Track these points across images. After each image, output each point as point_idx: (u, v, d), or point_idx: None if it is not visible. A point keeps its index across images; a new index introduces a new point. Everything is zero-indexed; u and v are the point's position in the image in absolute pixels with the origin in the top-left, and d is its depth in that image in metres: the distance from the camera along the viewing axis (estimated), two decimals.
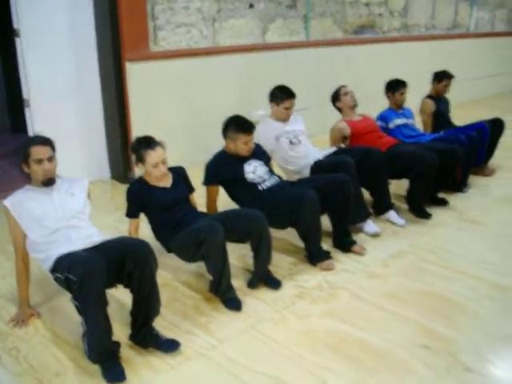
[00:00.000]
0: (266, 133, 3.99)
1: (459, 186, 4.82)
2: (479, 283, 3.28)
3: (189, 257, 3.15)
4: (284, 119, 4.07)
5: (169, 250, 3.23)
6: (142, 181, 3.24)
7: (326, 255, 3.52)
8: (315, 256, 3.50)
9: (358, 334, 2.77)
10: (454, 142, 4.57)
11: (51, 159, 2.75)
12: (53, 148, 2.78)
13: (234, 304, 3.03)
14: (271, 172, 3.69)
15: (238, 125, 3.50)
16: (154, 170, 3.13)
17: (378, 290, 3.21)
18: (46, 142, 2.76)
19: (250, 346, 2.69)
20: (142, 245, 2.63)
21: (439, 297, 3.13)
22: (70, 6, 4.72)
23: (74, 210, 2.83)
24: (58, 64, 4.77)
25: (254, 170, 3.56)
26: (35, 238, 2.76)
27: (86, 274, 2.37)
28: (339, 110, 4.54)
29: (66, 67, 4.83)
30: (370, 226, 3.95)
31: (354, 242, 3.71)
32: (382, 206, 4.17)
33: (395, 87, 4.82)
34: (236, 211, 3.31)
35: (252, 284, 3.24)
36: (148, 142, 3.14)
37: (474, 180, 5.05)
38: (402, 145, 4.51)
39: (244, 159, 3.56)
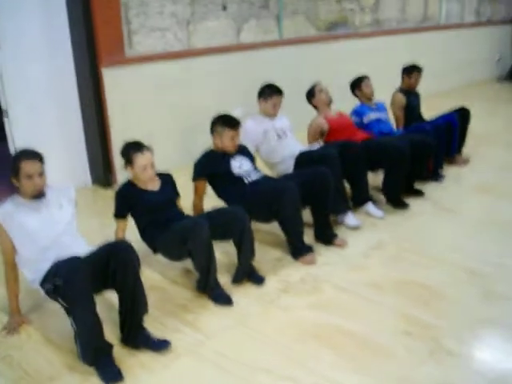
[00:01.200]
0: (255, 127, 4.14)
1: (432, 176, 4.94)
2: (457, 270, 3.39)
3: (175, 255, 3.23)
4: (272, 115, 4.22)
5: (155, 251, 3.30)
6: (130, 183, 3.31)
7: (308, 250, 3.61)
8: (297, 251, 3.59)
9: (341, 324, 2.86)
10: (420, 132, 4.71)
11: (41, 174, 2.78)
12: (42, 162, 2.79)
13: (224, 299, 3.10)
14: (256, 168, 3.81)
15: (225, 120, 3.66)
16: (143, 172, 3.21)
17: (360, 281, 3.30)
18: (37, 156, 2.77)
19: (238, 340, 2.77)
20: (123, 243, 2.72)
21: (419, 284, 3.23)
22: (44, 14, 4.74)
23: (63, 223, 2.87)
24: (35, 72, 4.77)
25: (240, 165, 3.68)
26: (25, 253, 2.80)
27: (70, 271, 2.46)
28: (315, 107, 4.62)
29: (43, 75, 4.84)
30: (351, 219, 4.05)
31: (335, 235, 3.80)
32: (361, 198, 4.26)
33: (358, 82, 4.92)
34: (218, 209, 3.39)
35: (236, 280, 3.31)
36: (137, 146, 3.24)
37: (448, 170, 5.17)
38: (375, 138, 4.63)
39: (231, 155, 3.68)
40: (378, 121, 4.87)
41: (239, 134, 3.71)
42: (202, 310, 3.05)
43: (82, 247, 2.87)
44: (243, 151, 3.80)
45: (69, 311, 2.54)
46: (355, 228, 4.01)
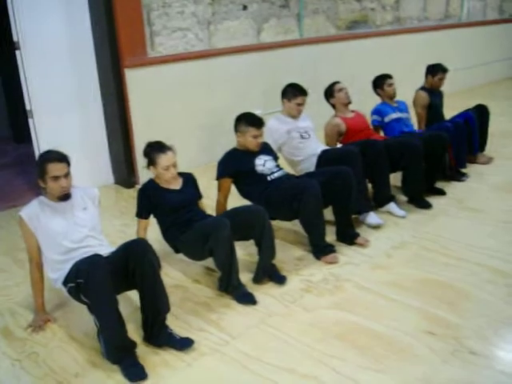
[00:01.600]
0: (278, 126, 4.14)
1: (455, 174, 4.89)
2: (481, 269, 3.35)
3: (197, 253, 3.25)
4: (295, 115, 4.20)
5: (177, 251, 3.33)
6: (153, 183, 3.35)
7: (330, 249, 3.60)
8: (319, 250, 3.58)
9: (364, 324, 2.86)
10: (440, 129, 4.66)
11: (67, 175, 2.81)
12: (68, 163, 2.82)
13: (247, 299, 3.11)
14: (279, 166, 3.82)
15: (249, 120, 3.68)
16: (165, 172, 3.24)
17: (382, 280, 3.29)
18: (63, 158, 2.80)
19: (262, 339, 2.77)
20: (140, 242, 2.75)
21: (442, 284, 3.21)
22: (68, 16, 4.81)
23: (88, 227, 2.90)
24: (59, 74, 4.84)
25: (263, 163, 3.70)
26: (49, 254, 2.84)
27: (90, 269, 2.49)
28: (332, 105, 4.59)
29: (67, 77, 4.91)
30: (373, 217, 4.03)
31: (357, 235, 3.79)
32: (383, 197, 4.24)
33: (381, 81, 4.85)
34: (238, 208, 3.39)
35: (257, 279, 3.31)
36: (159, 146, 3.28)
37: (471, 169, 5.12)
38: (389, 139, 4.56)
39: (254, 154, 3.70)
40: (399, 120, 4.81)
41: (263, 133, 3.72)
42: (224, 310, 3.06)
43: (105, 249, 2.89)
44: (266, 149, 3.82)
45: (91, 309, 2.57)
46: (377, 227, 3.99)
